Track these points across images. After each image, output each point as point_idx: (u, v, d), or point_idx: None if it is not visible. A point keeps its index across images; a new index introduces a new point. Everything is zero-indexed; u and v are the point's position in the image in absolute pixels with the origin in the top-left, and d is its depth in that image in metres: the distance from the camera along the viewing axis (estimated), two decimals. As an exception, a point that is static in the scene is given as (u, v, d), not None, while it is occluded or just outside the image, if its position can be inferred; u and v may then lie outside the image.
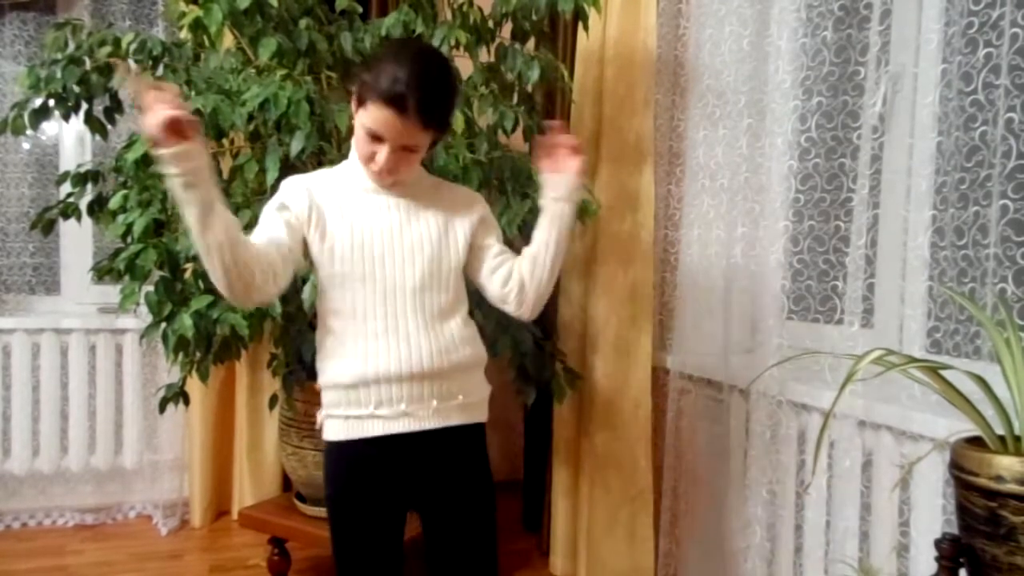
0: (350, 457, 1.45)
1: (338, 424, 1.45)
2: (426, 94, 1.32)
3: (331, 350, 1.44)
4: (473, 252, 1.48)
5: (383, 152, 1.35)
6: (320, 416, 1.49)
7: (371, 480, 1.44)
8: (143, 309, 1.96)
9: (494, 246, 1.50)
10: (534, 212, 2.05)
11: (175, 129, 1.16)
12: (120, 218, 1.94)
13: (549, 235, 1.46)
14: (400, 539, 1.50)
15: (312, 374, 2.24)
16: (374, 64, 1.36)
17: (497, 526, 1.52)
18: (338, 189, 1.44)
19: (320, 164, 2.00)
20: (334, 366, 1.44)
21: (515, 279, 1.48)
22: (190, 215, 1.22)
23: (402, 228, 1.42)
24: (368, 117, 1.34)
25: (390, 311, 1.40)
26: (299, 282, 1.90)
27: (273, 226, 1.39)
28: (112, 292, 2.30)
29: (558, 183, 1.47)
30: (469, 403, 1.47)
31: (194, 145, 1.19)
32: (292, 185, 1.44)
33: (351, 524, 1.47)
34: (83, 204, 2.26)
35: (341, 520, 1.48)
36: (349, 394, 1.42)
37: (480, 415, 1.51)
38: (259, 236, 1.37)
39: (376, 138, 1.35)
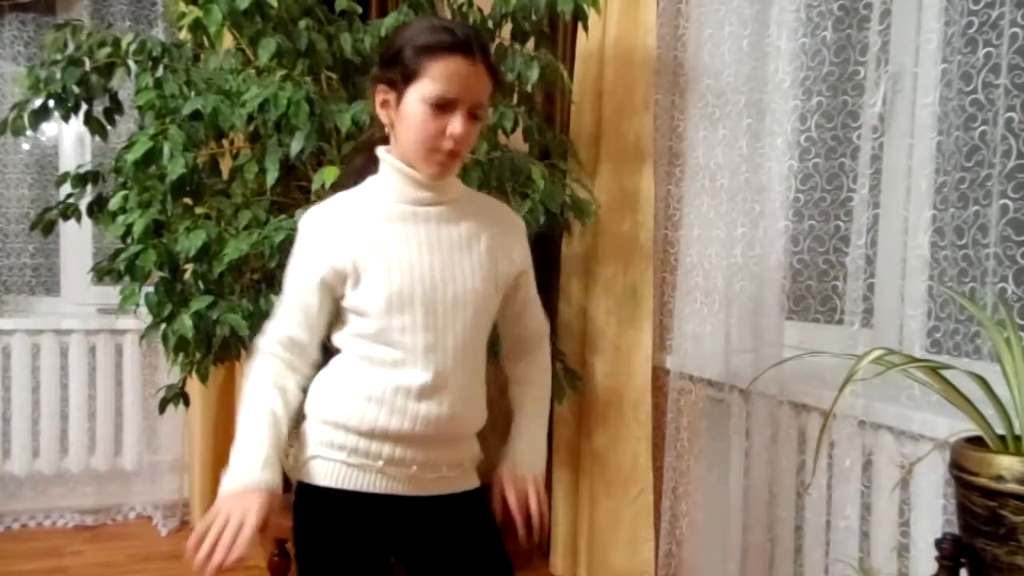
0: (338, 508, 1.28)
1: (332, 468, 1.28)
2: (482, 41, 1.21)
3: (348, 386, 1.27)
4: (511, 287, 1.36)
5: (457, 118, 1.18)
6: (296, 454, 1.32)
7: (362, 537, 1.28)
8: (143, 310, 1.96)
9: (520, 291, 1.38)
10: (534, 212, 2.05)
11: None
12: (120, 219, 1.94)
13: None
14: None
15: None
16: (404, 39, 1.22)
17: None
18: (368, 222, 1.24)
19: (320, 164, 2.00)
20: (348, 405, 1.25)
21: (515, 350, 1.44)
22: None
23: (443, 272, 1.24)
24: (430, 84, 1.17)
25: (428, 364, 1.23)
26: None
27: (310, 317, 1.27)
28: (112, 293, 2.30)
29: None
30: (469, 469, 1.35)
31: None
32: (317, 242, 1.26)
33: None
34: (83, 205, 2.26)
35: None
36: (359, 441, 1.25)
37: (475, 480, 1.37)
38: (301, 334, 1.28)
39: (444, 106, 1.18)
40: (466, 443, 1.33)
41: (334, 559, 1.29)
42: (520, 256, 1.35)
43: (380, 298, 1.22)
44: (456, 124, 1.19)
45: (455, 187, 1.31)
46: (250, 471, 1.28)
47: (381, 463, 1.25)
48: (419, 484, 1.28)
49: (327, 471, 1.29)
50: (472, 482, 1.35)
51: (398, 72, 1.21)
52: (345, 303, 1.27)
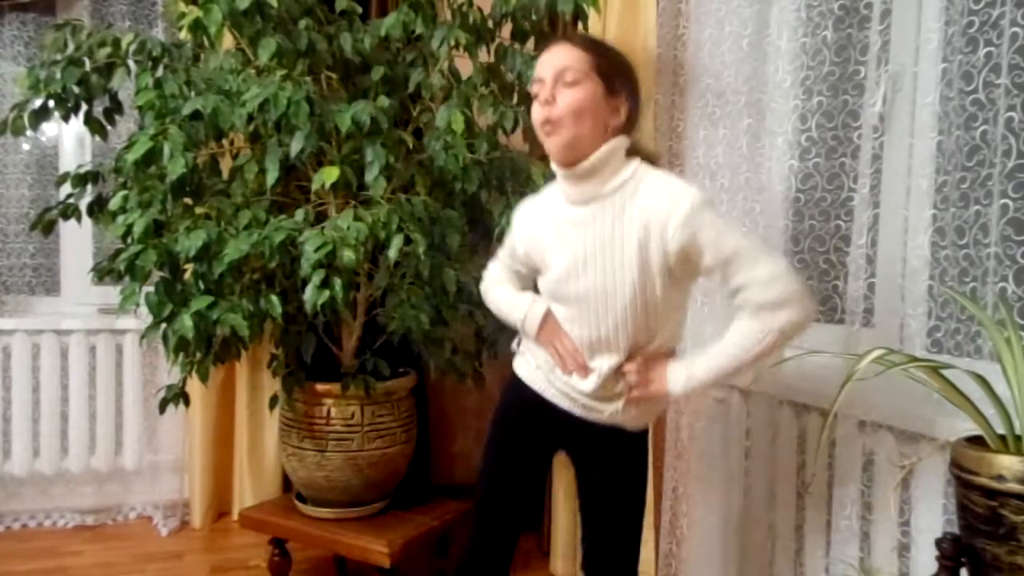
0: (525, 397, 1.54)
1: (527, 368, 1.55)
2: (575, 33, 1.42)
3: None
4: (690, 263, 1.35)
5: (543, 91, 1.36)
6: (515, 343, 1.61)
7: (533, 425, 1.54)
8: (143, 310, 1.96)
9: (711, 259, 1.32)
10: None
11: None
12: (120, 219, 1.94)
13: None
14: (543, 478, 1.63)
15: (312, 374, 2.25)
16: None
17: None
18: (544, 219, 1.50)
19: (320, 164, 2.00)
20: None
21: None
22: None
23: (597, 270, 1.39)
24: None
25: (591, 341, 1.43)
26: (299, 282, 1.90)
27: (511, 263, 1.62)
28: (112, 293, 2.30)
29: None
30: (643, 413, 1.51)
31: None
32: (517, 224, 1.58)
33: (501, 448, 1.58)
34: (83, 205, 2.26)
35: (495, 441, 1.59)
36: (544, 364, 1.52)
37: (651, 418, 1.55)
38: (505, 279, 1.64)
39: (537, 88, 1.37)
40: (621, 402, 1.47)
41: (506, 435, 1.58)
42: (673, 238, 1.31)
43: (550, 293, 1.49)
44: (543, 92, 1.36)
45: (611, 174, 1.39)
46: (531, 306, 1.52)
47: (557, 382, 1.50)
48: (584, 410, 1.49)
49: (524, 368, 1.57)
50: (632, 420, 1.49)
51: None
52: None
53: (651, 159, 1.47)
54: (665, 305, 1.39)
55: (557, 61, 1.36)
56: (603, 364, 1.43)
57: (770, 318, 1.29)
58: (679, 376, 1.40)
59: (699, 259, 1.32)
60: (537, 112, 1.37)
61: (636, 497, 1.53)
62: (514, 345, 1.63)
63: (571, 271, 1.42)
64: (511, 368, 1.61)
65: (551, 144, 1.37)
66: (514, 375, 1.59)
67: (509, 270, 1.63)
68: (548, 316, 1.49)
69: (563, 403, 1.50)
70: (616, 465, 1.51)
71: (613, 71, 1.39)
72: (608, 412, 1.47)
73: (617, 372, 1.43)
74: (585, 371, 1.44)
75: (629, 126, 1.42)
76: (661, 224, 1.32)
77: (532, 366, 1.54)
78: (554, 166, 1.43)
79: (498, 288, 1.64)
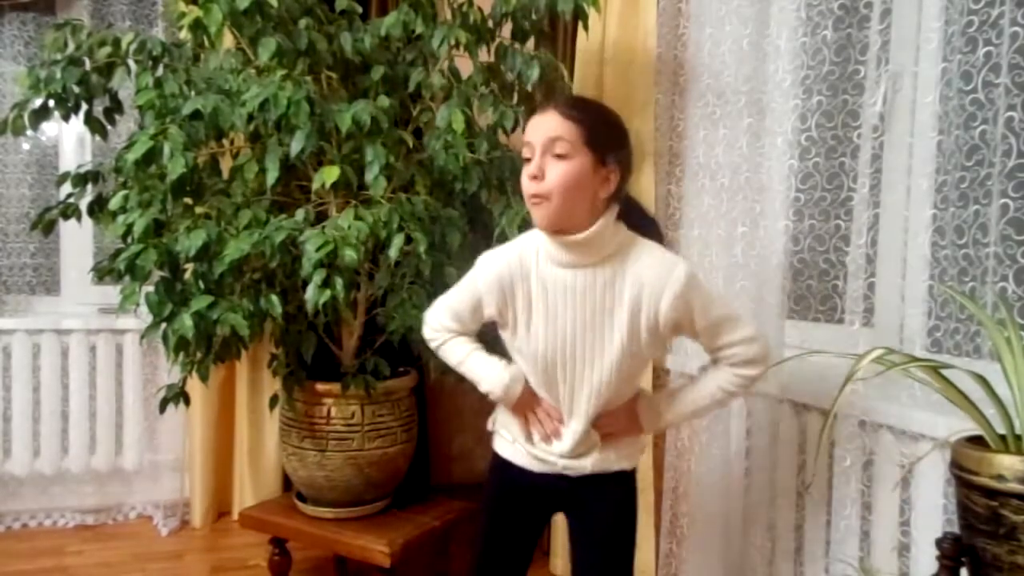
0: (508, 472, 1.55)
1: (504, 445, 1.57)
2: (567, 97, 1.43)
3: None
4: (678, 330, 1.44)
5: (531, 162, 1.35)
6: (491, 421, 1.61)
7: (523, 493, 1.55)
8: (143, 309, 1.96)
9: (699, 326, 1.42)
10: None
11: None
12: (120, 218, 1.94)
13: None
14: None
15: (312, 374, 2.25)
16: None
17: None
18: (524, 279, 1.43)
19: (320, 164, 2.00)
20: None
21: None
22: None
23: (584, 337, 1.41)
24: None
25: (563, 404, 1.46)
26: (300, 282, 1.90)
27: (468, 320, 1.53)
28: (112, 292, 2.30)
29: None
30: (625, 453, 1.53)
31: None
32: (488, 283, 1.46)
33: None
34: (83, 204, 2.26)
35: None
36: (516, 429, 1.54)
37: (634, 458, 1.56)
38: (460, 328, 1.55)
39: (527, 155, 1.36)
40: (599, 450, 1.50)
41: (500, 521, 1.59)
42: (667, 310, 1.38)
43: (525, 356, 1.46)
44: (531, 166, 1.35)
45: (601, 249, 1.38)
46: (505, 377, 1.50)
47: (535, 461, 1.52)
48: (568, 471, 1.50)
49: (503, 447, 1.57)
50: (615, 463, 1.51)
51: None
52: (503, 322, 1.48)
53: (643, 212, 1.51)
54: (640, 368, 1.51)
55: (547, 130, 1.34)
56: (576, 426, 1.46)
57: (746, 370, 1.44)
58: (651, 420, 1.52)
59: (690, 326, 1.41)
60: (526, 184, 1.36)
61: (628, 535, 1.55)
62: (489, 424, 1.61)
63: (557, 337, 1.41)
64: (493, 449, 1.61)
65: (538, 215, 1.36)
66: (496, 455, 1.58)
67: (457, 322, 1.54)
68: (526, 387, 1.49)
69: (547, 470, 1.51)
70: (608, 508, 1.53)
71: (604, 141, 1.36)
72: (590, 464, 1.49)
73: (589, 430, 1.47)
74: (559, 434, 1.47)
75: (619, 192, 1.40)
76: (655, 297, 1.38)
77: (509, 441, 1.55)
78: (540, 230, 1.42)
79: (459, 346, 1.56)
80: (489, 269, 1.46)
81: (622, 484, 1.54)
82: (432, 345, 1.60)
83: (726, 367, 1.45)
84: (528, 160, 1.36)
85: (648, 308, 1.38)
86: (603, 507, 1.52)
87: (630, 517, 1.55)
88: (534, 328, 1.43)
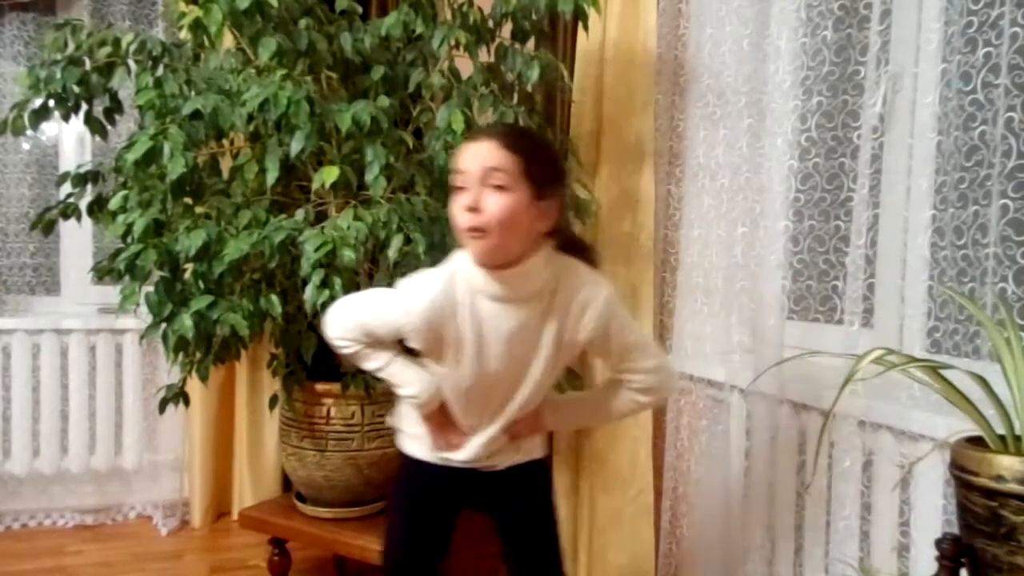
0: (417, 468, 1.54)
1: (409, 441, 1.56)
2: (504, 127, 1.41)
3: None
4: (592, 347, 1.45)
5: (466, 193, 1.29)
6: (392, 416, 1.60)
7: (433, 487, 1.55)
8: (143, 309, 1.96)
9: (612, 346, 1.43)
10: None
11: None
12: (120, 218, 1.93)
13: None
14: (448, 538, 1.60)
15: (312, 374, 2.25)
16: None
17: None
18: (456, 311, 1.37)
19: (320, 164, 2.00)
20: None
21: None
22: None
23: (510, 367, 1.41)
24: (453, 170, 1.34)
25: (476, 422, 1.47)
26: (299, 282, 1.90)
27: (386, 342, 1.46)
28: (112, 292, 2.30)
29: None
30: (530, 445, 1.56)
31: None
32: (414, 322, 1.37)
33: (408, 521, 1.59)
34: (83, 204, 2.26)
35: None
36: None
37: (540, 448, 1.58)
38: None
39: (460, 184, 1.31)
40: (509, 449, 1.52)
41: (411, 518, 1.58)
42: (589, 329, 1.38)
43: (445, 383, 1.44)
44: (465, 196, 1.29)
45: (535, 280, 1.36)
46: (432, 386, 1.46)
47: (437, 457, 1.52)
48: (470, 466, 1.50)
49: (407, 443, 1.56)
50: (526, 455, 1.54)
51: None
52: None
53: (576, 241, 1.48)
54: (554, 380, 1.51)
55: (484, 160, 1.28)
56: (482, 438, 1.47)
57: (644, 397, 1.48)
58: (553, 420, 1.56)
59: (603, 346, 1.42)
60: (462, 217, 1.29)
61: (552, 518, 1.57)
62: (389, 419, 1.61)
63: (483, 370, 1.40)
64: (399, 446, 1.60)
65: (474, 248, 1.31)
66: (401, 453, 1.58)
67: (372, 339, 1.45)
68: (443, 403, 1.48)
69: (458, 467, 1.51)
70: (523, 498, 1.55)
71: (543, 175, 1.32)
72: (507, 461, 1.52)
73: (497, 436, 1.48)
74: (460, 447, 1.48)
75: (557, 227, 1.38)
76: (578, 316, 1.38)
77: (416, 436, 1.54)
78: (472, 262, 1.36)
79: (379, 353, 1.47)
80: (416, 307, 1.36)
81: (533, 472, 1.56)
82: (343, 351, 1.49)
83: (626, 390, 1.47)
84: (461, 189, 1.31)
85: (572, 327, 1.39)
86: (519, 498, 1.54)
87: (547, 503, 1.58)
88: (463, 363, 1.39)
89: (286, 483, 2.80)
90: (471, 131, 1.48)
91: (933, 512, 1.47)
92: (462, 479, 1.52)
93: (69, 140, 2.99)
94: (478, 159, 1.29)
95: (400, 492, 1.59)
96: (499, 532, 1.58)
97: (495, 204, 1.27)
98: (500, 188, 1.28)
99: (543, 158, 1.35)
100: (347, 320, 1.47)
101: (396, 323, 1.39)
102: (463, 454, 1.48)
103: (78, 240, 2.99)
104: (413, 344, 1.41)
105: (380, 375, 1.49)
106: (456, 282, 1.37)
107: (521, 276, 1.34)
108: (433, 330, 1.37)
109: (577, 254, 1.42)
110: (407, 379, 1.46)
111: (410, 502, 1.57)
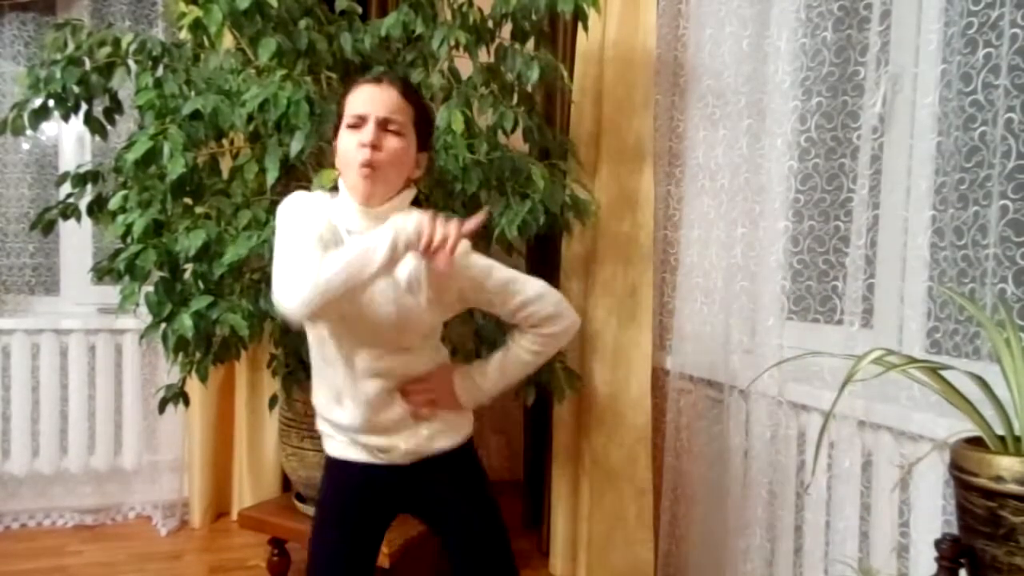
0: (340, 473, 1.51)
1: (331, 443, 1.52)
2: (401, 77, 1.42)
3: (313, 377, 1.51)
4: (465, 300, 1.44)
5: (367, 128, 1.34)
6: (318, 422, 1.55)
7: (357, 493, 1.50)
8: (143, 309, 1.96)
9: (486, 291, 1.42)
10: (534, 212, 2.06)
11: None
12: (120, 218, 1.94)
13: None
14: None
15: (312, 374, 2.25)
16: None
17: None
18: (333, 227, 1.38)
19: (320, 164, 2.00)
20: (314, 395, 1.51)
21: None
22: (381, 268, 1.26)
23: (373, 298, 1.35)
24: (348, 108, 1.38)
25: (349, 372, 1.41)
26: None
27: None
28: (112, 292, 2.30)
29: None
30: (442, 430, 1.48)
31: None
32: (308, 208, 1.37)
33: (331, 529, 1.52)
34: (83, 204, 2.26)
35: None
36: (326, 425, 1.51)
37: (457, 434, 1.50)
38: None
39: (357, 122, 1.35)
40: (414, 426, 1.46)
41: (337, 527, 1.52)
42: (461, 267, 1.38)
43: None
44: (366, 131, 1.34)
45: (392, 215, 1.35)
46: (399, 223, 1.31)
47: (364, 452, 1.48)
48: (392, 455, 1.46)
49: (333, 446, 1.52)
50: (433, 444, 1.47)
51: (335, 123, 1.42)
52: None
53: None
54: (429, 332, 1.47)
55: (385, 107, 1.35)
56: (371, 388, 1.41)
57: (545, 329, 1.46)
58: (468, 390, 1.49)
59: (476, 294, 1.42)
60: (357, 152, 1.33)
61: (490, 505, 1.51)
62: (318, 424, 1.56)
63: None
64: (325, 453, 1.54)
65: (365, 186, 1.35)
66: (328, 458, 1.53)
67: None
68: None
69: (374, 459, 1.46)
70: (452, 491, 1.50)
71: (426, 128, 1.43)
72: (412, 441, 1.45)
73: (391, 400, 1.43)
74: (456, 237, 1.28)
75: (422, 177, 1.47)
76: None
77: (337, 440, 1.49)
78: (348, 195, 1.38)
79: (332, 255, 1.29)
80: (302, 203, 1.39)
81: (456, 462, 1.50)
82: (313, 298, 1.24)
83: (528, 330, 1.46)
84: (355, 127, 1.35)
85: (427, 272, 1.38)
86: (447, 492, 1.49)
87: (481, 490, 1.51)
88: None
89: (286, 483, 2.80)
90: (367, 74, 1.52)
91: (933, 513, 1.47)
92: (382, 478, 1.47)
93: (69, 140, 2.99)
94: (384, 104, 1.36)
95: (323, 500, 1.53)
96: (436, 533, 1.54)
97: (393, 145, 1.36)
98: (396, 133, 1.36)
99: (427, 112, 1.46)
100: (295, 267, 1.27)
101: (307, 224, 1.33)
102: (353, 415, 1.42)
103: (78, 240, 2.99)
104: (324, 237, 1.35)
105: (349, 271, 1.25)
106: (328, 206, 1.41)
107: (384, 213, 1.37)
108: (326, 232, 1.37)
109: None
110: (368, 241, 1.27)
111: (333, 510, 1.51)
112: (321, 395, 1.48)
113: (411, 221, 1.27)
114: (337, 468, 1.50)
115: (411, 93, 1.41)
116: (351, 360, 1.41)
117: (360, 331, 1.39)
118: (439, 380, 1.47)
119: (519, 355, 1.48)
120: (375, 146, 1.34)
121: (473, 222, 1.30)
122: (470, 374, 1.49)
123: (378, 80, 1.39)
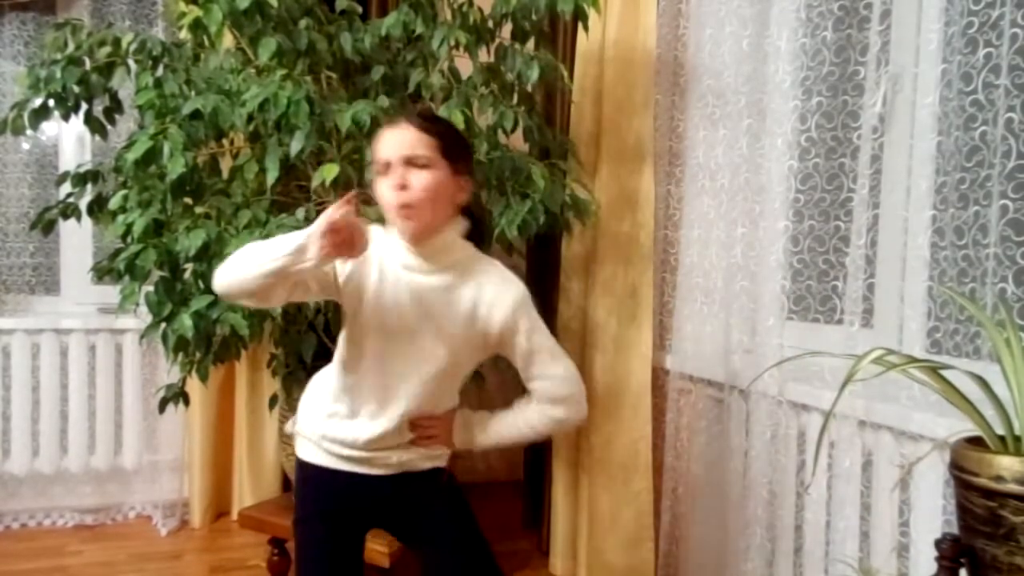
0: (318, 481, 1.51)
1: (308, 447, 1.53)
2: (420, 112, 1.41)
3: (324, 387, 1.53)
4: (502, 346, 1.46)
5: (393, 172, 1.35)
6: (290, 423, 1.57)
7: (337, 503, 1.51)
8: (143, 309, 1.96)
9: (521, 347, 1.44)
10: (534, 212, 2.05)
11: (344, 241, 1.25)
12: (120, 218, 1.94)
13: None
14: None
15: (312, 374, 2.25)
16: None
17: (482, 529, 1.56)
18: (381, 259, 1.41)
19: (320, 164, 2.00)
20: (318, 403, 1.52)
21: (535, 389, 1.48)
22: (288, 257, 1.26)
23: (414, 338, 1.41)
24: (375, 156, 1.39)
25: (380, 397, 1.44)
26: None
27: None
28: (112, 292, 2.30)
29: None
30: (430, 455, 1.53)
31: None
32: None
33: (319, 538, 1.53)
34: (83, 204, 2.26)
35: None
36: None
37: (442, 458, 1.55)
38: None
39: (384, 168, 1.36)
40: (408, 447, 1.50)
41: (316, 538, 1.53)
42: (499, 324, 1.41)
43: (367, 322, 1.41)
44: (394, 177, 1.35)
45: (449, 255, 1.42)
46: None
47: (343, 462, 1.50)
48: (374, 467, 1.48)
49: (307, 450, 1.53)
50: (419, 464, 1.51)
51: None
52: (343, 300, 1.45)
53: (482, 219, 1.53)
54: (460, 379, 1.53)
55: (404, 147, 1.36)
56: (389, 418, 1.45)
57: (554, 410, 1.48)
58: (462, 438, 1.52)
59: (512, 346, 1.43)
60: (392, 196, 1.35)
61: (469, 518, 1.54)
62: (289, 425, 1.56)
63: (396, 327, 1.41)
64: (298, 458, 1.54)
65: (409, 227, 1.37)
66: (300, 463, 1.53)
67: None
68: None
69: (357, 469, 1.48)
70: (435, 501, 1.53)
71: (457, 151, 1.41)
72: (395, 459, 1.48)
73: (403, 425, 1.46)
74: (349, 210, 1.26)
75: (469, 201, 1.46)
76: (490, 309, 1.41)
77: (313, 444, 1.50)
78: (399, 238, 1.41)
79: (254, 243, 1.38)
80: None
81: (437, 479, 1.54)
82: (225, 275, 1.38)
83: (535, 403, 1.48)
84: (385, 173, 1.37)
85: (482, 320, 1.41)
86: (431, 508, 1.52)
87: (461, 500, 1.55)
88: (383, 312, 1.41)
89: (286, 483, 2.80)
90: (387, 117, 1.55)
91: (933, 512, 1.47)
92: (362, 487, 1.48)
93: (69, 140, 2.99)
94: (402, 144, 1.36)
95: (300, 512, 1.53)
96: (412, 546, 1.57)
97: (423, 179, 1.35)
98: (423, 167, 1.36)
99: (456, 136, 1.45)
100: (227, 261, 1.40)
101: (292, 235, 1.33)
102: (370, 429, 1.44)
103: (78, 240, 2.99)
104: (344, 273, 1.41)
105: (265, 262, 1.30)
106: (385, 241, 1.42)
107: (437, 247, 1.40)
108: (361, 269, 1.41)
109: (476, 226, 1.48)
110: (287, 236, 1.31)
111: (313, 521, 1.51)
112: (328, 407, 1.49)
113: (311, 229, 1.27)
114: (318, 477, 1.50)
115: (431, 124, 1.40)
116: (394, 388, 1.43)
117: (411, 365, 1.42)
118: (444, 422, 1.51)
119: (520, 426, 1.50)
120: (403, 186, 1.35)
121: (341, 202, 1.26)
122: (471, 426, 1.53)
123: (394, 122, 1.40)
